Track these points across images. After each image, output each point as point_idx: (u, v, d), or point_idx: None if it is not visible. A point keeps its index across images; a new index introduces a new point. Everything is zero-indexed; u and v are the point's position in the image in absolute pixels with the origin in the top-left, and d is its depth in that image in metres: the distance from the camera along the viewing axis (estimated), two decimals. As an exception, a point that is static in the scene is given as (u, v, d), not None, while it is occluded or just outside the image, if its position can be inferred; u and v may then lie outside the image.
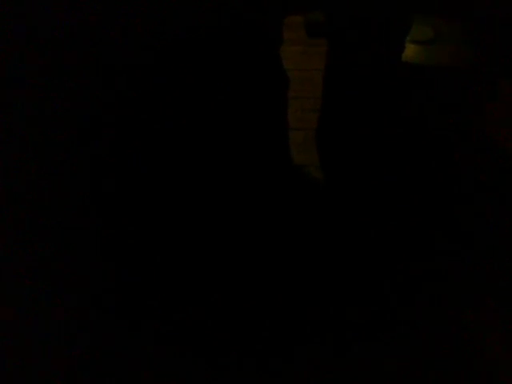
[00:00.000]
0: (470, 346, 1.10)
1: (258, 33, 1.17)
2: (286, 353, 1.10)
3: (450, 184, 1.41)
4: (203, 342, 1.11)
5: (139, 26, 1.12)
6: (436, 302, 1.18)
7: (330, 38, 1.27)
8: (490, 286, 1.20)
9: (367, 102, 1.29)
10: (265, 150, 1.30)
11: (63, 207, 1.26)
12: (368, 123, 1.32)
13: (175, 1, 1.08)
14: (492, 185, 1.41)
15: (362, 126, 1.32)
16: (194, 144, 1.26)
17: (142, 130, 1.24)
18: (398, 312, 1.16)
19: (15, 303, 1.18)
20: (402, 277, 1.22)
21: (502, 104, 1.49)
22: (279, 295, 1.19)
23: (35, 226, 1.26)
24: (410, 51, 1.40)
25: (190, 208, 1.30)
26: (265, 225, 1.31)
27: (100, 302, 1.18)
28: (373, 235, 1.30)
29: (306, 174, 1.42)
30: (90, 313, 1.17)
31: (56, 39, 1.09)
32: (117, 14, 1.11)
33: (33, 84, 1.14)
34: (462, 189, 1.40)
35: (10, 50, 1.09)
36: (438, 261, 1.25)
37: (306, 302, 1.18)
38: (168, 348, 1.10)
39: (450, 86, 1.41)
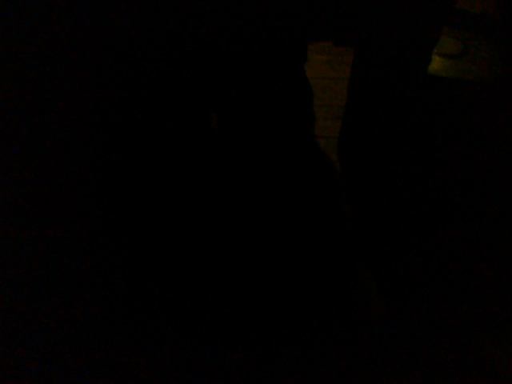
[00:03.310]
0: (470, 346, 1.10)
1: (284, 51, 1.19)
2: (286, 351, 1.09)
3: (475, 197, 1.41)
4: (203, 340, 1.11)
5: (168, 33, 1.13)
6: (436, 302, 1.18)
7: (356, 47, 1.28)
8: (490, 286, 1.20)
9: (390, 111, 1.29)
10: (290, 157, 1.31)
11: (64, 205, 1.26)
12: (390, 133, 1.33)
13: (208, 13, 1.10)
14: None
15: (384, 136, 1.32)
16: (220, 150, 1.27)
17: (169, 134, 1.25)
18: (398, 312, 1.16)
19: (14, 301, 1.19)
20: (402, 277, 1.22)
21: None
22: (284, 294, 1.19)
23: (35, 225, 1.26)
24: (437, 64, 1.41)
25: (213, 209, 1.31)
26: (285, 229, 1.31)
27: (99, 302, 1.18)
28: (390, 243, 1.30)
29: (327, 181, 1.42)
30: (90, 311, 1.17)
31: (60, 39, 1.10)
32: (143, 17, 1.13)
33: (32, 84, 1.15)
34: (488, 204, 1.39)
35: (10, 49, 1.10)
36: (439, 261, 1.25)
37: (307, 302, 1.18)
38: (168, 347, 1.10)
39: (478, 101, 1.41)
